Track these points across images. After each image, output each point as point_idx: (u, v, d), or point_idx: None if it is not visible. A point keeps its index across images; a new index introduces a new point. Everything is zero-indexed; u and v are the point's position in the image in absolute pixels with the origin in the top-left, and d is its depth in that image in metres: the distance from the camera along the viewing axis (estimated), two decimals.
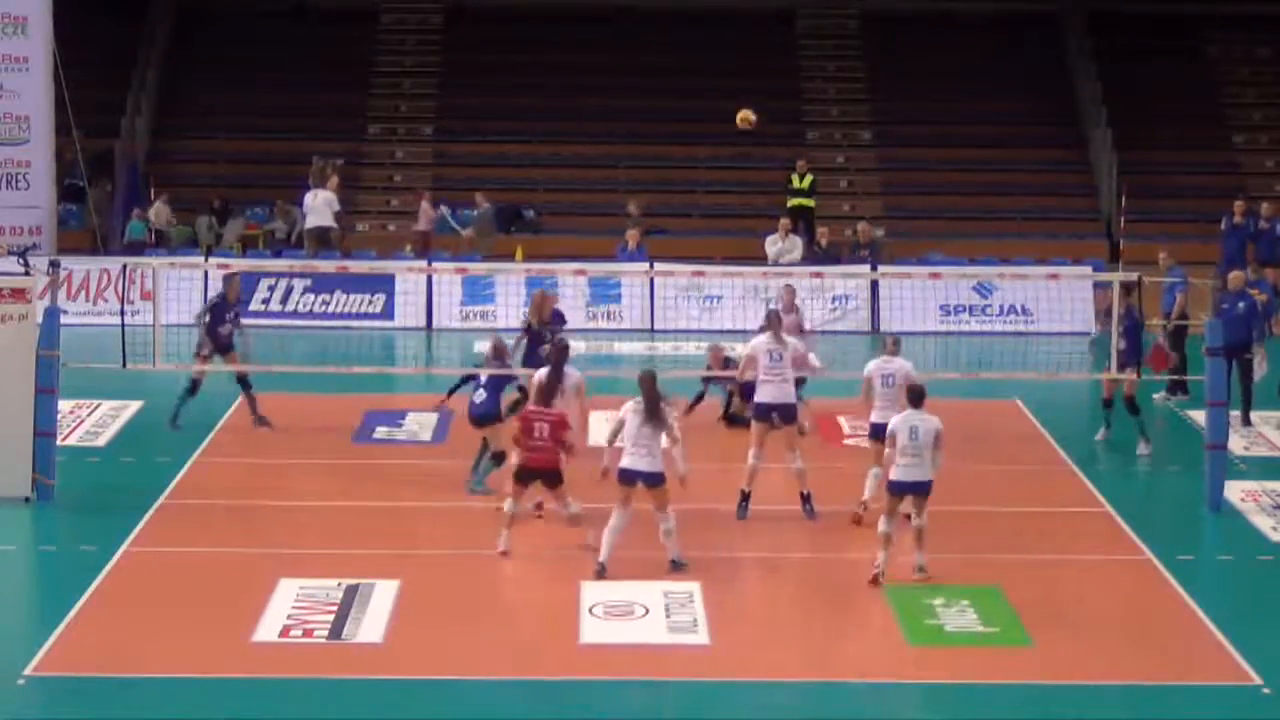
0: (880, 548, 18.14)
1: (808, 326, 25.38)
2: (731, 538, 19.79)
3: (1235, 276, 25.96)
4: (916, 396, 18.28)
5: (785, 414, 20.32)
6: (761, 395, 20.32)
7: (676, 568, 18.18)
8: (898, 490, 18.16)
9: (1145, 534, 20.00)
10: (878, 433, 19.78)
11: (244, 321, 25.06)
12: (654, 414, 18.06)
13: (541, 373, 19.52)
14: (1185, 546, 19.81)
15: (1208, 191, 38.91)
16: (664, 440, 18.24)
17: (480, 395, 21.15)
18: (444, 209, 37.04)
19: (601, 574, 17.87)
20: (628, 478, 18.06)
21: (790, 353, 20.42)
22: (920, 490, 18.10)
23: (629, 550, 17.93)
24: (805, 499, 20.43)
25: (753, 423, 20.44)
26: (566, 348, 19.81)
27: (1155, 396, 26.51)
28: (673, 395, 19.13)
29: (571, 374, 19.66)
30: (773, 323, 20.69)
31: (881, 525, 18.23)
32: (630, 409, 18.19)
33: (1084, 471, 22.77)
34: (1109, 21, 42.39)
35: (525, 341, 22.56)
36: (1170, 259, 27.64)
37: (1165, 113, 40.99)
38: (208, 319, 24.45)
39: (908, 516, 18.48)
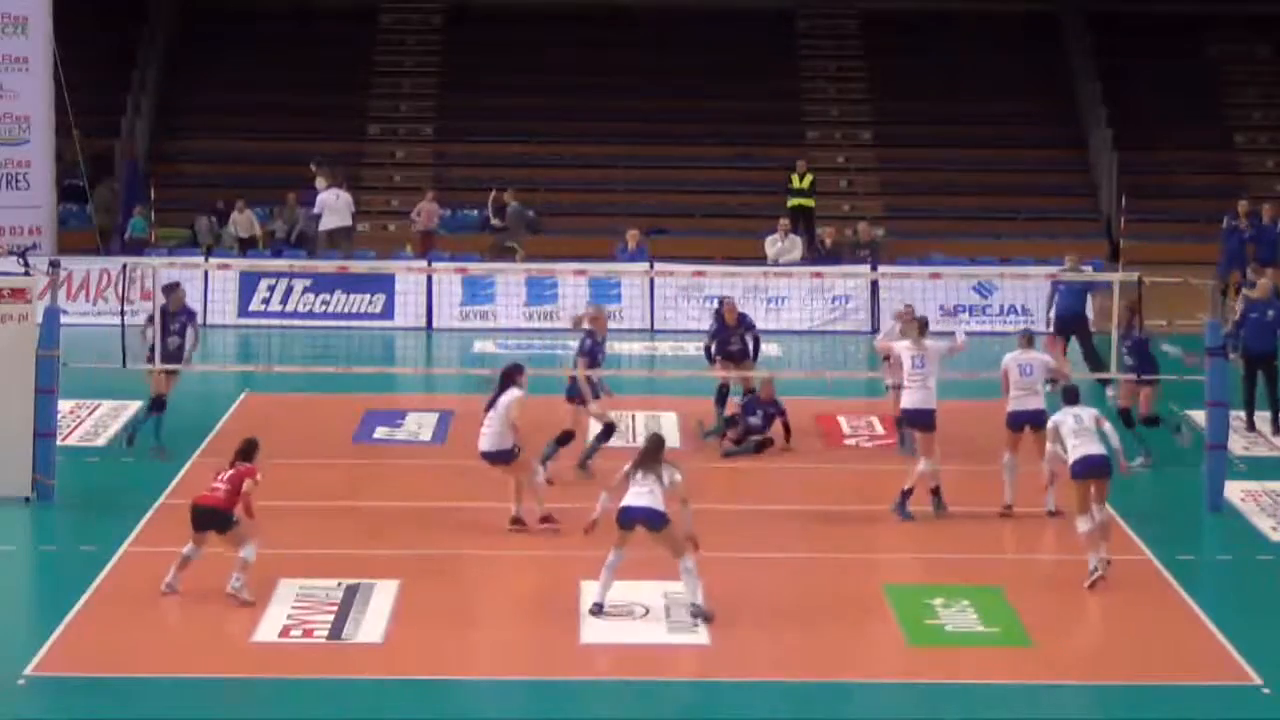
0: (1090, 550, 18.01)
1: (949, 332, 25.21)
2: (731, 538, 19.75)
3: (1262, 284, 25.66)
4: (1074, 396, 18.94)
5: (915, 420, 20.75)
6: (906, 401, 20.77)
7: (696, 614, 16.83)
8: (1083, 472, 18.19)
9: (1145, 534, 19.99)
10: (1015, 422, 20.75)
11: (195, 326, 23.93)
12: (648, 462, 17.04)
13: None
14: (1185, 546, 19.80)
15: (1208, 191, 38.92)
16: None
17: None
18: (514, 205, 36.57)
19: (597, 612, 16.93)
20: (627, 517, 16.92)
21: (930, 356, 20.75)
22: (1103, 467, 18.18)
23: (628, 550, 17.79)
24: (934, 493, 20.49)
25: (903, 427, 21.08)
26: (515, 369, 19.99)
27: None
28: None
29: (510, 391, 19.70)
30: (919, 327, 21.18)
31: (1081, 525, 18.16)
32: (631, 465, 17.20)
33: None
34: (1109, 21, 42.41)
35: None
36: (1076, 258, 27.69)
37: (1165, 113, 41.02)
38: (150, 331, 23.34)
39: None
